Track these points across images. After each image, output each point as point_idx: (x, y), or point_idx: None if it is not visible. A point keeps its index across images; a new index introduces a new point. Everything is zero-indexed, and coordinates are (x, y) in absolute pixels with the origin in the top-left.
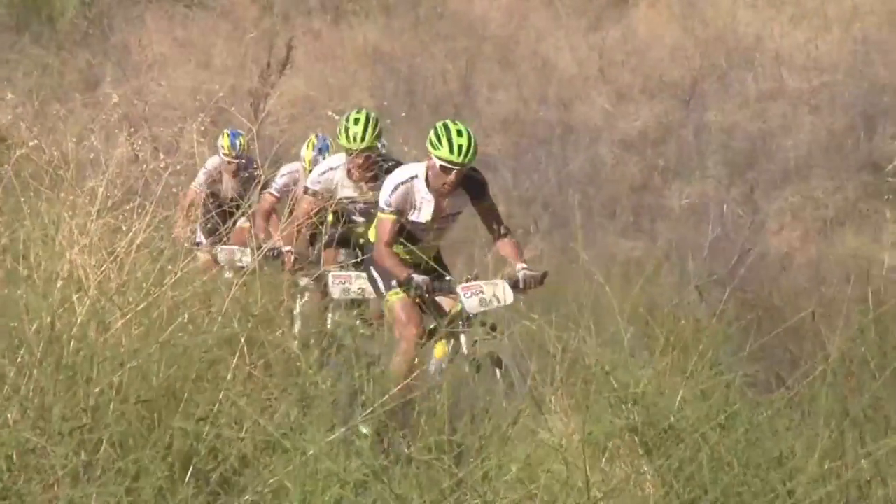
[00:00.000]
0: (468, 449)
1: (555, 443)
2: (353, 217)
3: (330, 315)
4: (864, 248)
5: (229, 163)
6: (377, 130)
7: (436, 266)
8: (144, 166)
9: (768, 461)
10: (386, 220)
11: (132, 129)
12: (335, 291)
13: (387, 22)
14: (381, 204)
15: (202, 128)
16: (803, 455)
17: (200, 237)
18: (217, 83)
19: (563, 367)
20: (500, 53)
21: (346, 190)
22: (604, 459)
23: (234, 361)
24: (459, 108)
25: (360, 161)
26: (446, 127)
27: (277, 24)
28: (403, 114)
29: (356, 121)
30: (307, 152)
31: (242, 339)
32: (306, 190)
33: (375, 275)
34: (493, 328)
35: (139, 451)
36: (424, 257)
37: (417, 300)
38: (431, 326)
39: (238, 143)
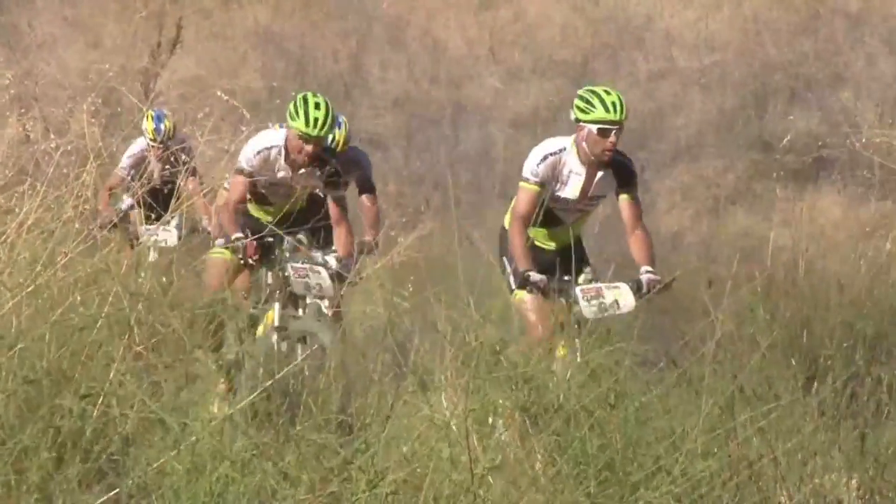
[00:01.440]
0: (355, 428)
1: (442, 421)
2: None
3: (277, 305)
4: (755, 227)
5: (154, 148)
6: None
7: (570, 254)
8: (35, 147)
9: (657, 438)
10: (528, 190)
11: (23, 111)
12: (297, 286)
13: (277, 2)
14: (526, 174)
15: (93, 108)
16: (692, 432)
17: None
18: (107, 63)
19: (452, 345)
20: (391, 33)
21: (282, 172)
22: (491, 437)
23: (124, 341)
24: (350, 87)
25: (310, 149)
26: (593, 91)
27: (167, 4)
28: (294, 93)
29: (317, 106)
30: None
31: (132, 320)
32: (241, 171)
33: (508, 267)
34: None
35: (24, 431)
36: (560, 242)
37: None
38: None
39: (163, 126)
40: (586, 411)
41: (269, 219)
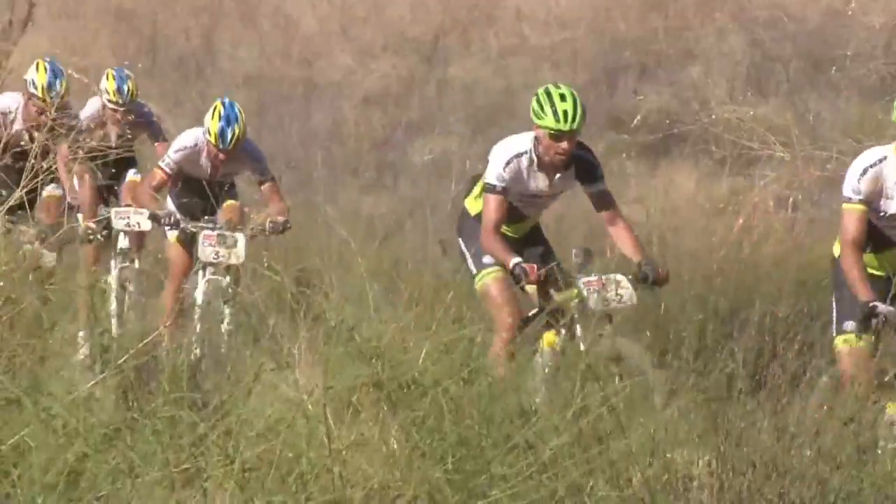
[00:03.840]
0: (211, 404)
1: (297, 398)
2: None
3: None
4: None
5: (114, 110)
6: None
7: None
8: None
9: (510, 414)
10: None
11: None
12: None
13: None
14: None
15: None
16: (545, 408)
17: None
18: None
19: (306, 322)
20: (243, 11)
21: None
22: (348, 414)
23: None
24: (202, 65)
25: (565, 146)
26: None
27: None
28: (145, 71)
29: (563, 97)
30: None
31: None
32: (493, 188)
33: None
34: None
35: None
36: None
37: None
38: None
39: (126, 87)
40: (441, 387)
41: (516, 236)
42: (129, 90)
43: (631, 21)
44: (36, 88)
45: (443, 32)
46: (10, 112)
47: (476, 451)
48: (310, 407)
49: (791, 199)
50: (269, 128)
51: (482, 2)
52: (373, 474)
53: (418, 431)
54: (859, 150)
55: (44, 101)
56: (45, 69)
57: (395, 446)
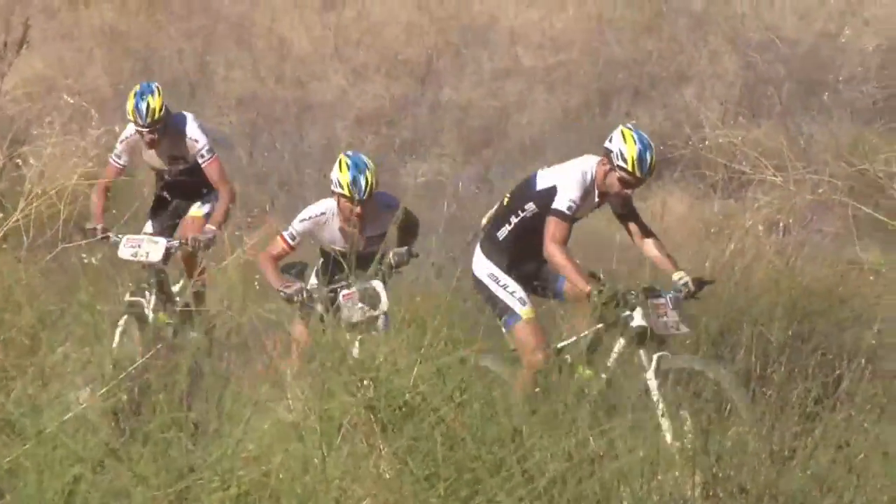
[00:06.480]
0: (206, 427)
1: (292, 421)
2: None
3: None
4: (598, 226)
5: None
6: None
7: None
8: None
9: (503, 438)
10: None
11: None
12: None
13: (122, 1)
14: (563, 206)
15: None
16: (539, 432)
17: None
18: None
19: (300, 345)
20: (236, 33)
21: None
22: (340, 438)
23: None
24: (195, 87)
25: (147, 139)
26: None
27: (13, 3)
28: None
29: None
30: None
31: None
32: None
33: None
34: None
35: None
36: None
37: None
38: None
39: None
40: (433, 410)
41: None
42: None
43: (625, 43)
44: (128, 114)
45: (436, 54)
46: (133, 139)
47: (469, 475)
48: (303, 433)
49: (782, 223)
50: (263, 149)
51: (476, 24)
52: (365, 496)
53: (411, 456)
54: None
55: (133, 120)
56: (133, 95)
57: (387, 470)
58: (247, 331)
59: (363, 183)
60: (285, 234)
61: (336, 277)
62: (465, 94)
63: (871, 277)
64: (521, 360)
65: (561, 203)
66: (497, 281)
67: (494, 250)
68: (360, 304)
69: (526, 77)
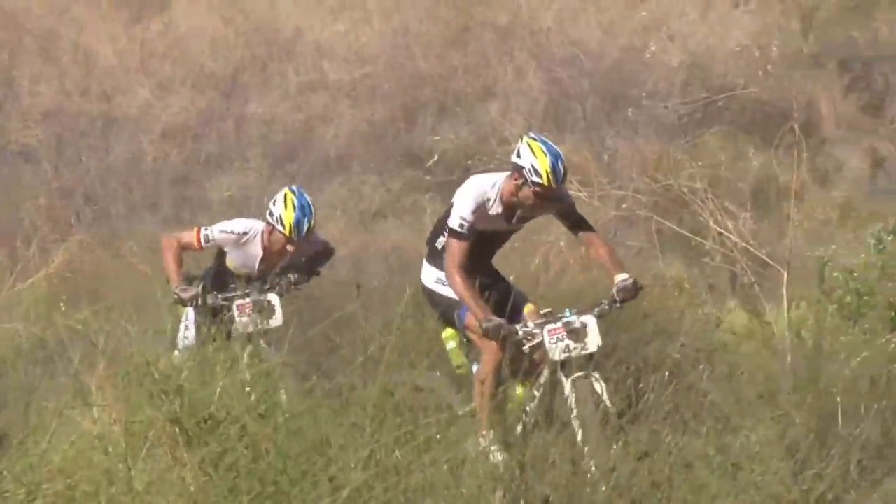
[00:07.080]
0: (10, 440)
1: (98, 433)
2: None
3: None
4: (405, 241)
5: (287, 241)
6: None
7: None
8: None
9: (309, 449)
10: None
11: None
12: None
13: None
14: (457, 222)
15: None
16: (345, 442)
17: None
18: None
19: (105, 357)
20: (42, 46)
21: None
22: (145, 450)
23: None
24: (1, 101)
25: None
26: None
27: None
28: None
29: None
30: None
31: None
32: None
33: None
34: None
35: None
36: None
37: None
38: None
39: (307, 227)
40: (237, 423)
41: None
42: (309, 227)
43: (431, 58)
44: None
45: (242, 67)
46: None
47: (273, 487)
48: (109, 445)
49: None
50: (68, 163)
51: (281, 38)
52: None
53: (215, 468)
54: (656, 189)
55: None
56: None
57: (192, 483)
58: (52, 344)
59: (305, 226)
60: (203, 231)
61: (231, 286)
62: (271, 108)
63: (676, 292)
64: (477, 357)
65: (453, 221)
66: (444, 283)
67: (438, 258)
68: (253, 316)
69: (331, 91)
